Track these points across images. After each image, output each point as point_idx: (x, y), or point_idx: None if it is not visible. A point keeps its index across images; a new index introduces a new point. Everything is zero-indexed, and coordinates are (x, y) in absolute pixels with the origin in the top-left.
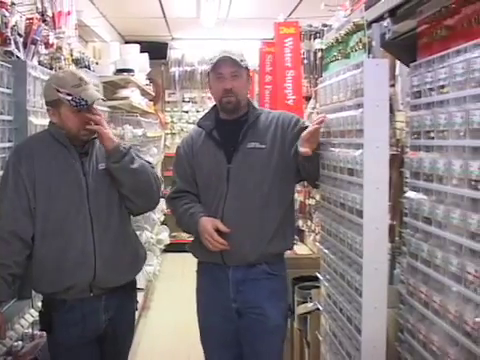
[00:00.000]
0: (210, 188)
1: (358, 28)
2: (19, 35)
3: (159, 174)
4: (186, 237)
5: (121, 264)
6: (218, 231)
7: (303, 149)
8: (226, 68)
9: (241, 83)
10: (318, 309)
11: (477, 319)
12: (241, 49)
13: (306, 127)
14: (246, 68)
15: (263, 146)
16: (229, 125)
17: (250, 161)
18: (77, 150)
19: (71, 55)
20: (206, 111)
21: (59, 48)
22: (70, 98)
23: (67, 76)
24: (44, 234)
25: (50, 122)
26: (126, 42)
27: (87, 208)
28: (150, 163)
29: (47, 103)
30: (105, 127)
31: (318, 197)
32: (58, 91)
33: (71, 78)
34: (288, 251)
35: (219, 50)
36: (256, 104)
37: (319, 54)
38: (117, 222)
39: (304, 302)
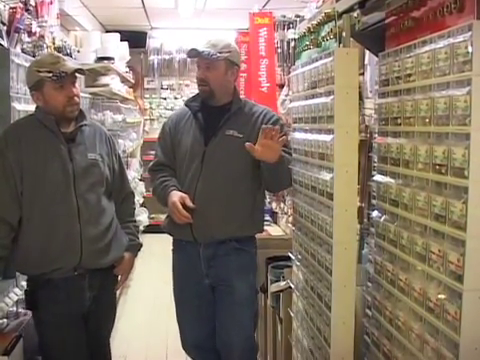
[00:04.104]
0: (186, 166)
1: (329, 19)
2: (2, 23)
3: (138, 158)
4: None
5: (106, 248)
6: (186, 206)
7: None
8: (201, 59)
9: (216, 74)
10: (290, 287)
11: (440, 296)
12: (226, 40)
13: (282, 127)
14: (226, 59)
15: (240, 135)
16: (213, 110)
17: (225, 147)
18: (64, 135)
19: (53, 43)
20: (195, 93)
21: (42, 36)
22: (51, 74)
23: (45, 57)
24: (30, 218)
25: (36, 107)
26: (107, 31)
27: (73, 194)
28: None
29: (31, 88)
30: None
31: None
32: (38, 71)
33: (49, 58)
34: (262, 233)
35: (206, 39)
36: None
37: (292, 43)
38: (102, 209)
39: (277, 281)
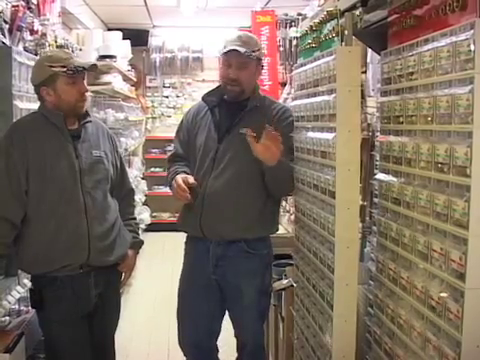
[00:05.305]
0: (199, 162)
1: (331, 17)
2: (5, 22)
3: (140, 156)
4: (166, 217)
5: (111, 245)
6: (189, 185)
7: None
8: (235, 58)
9: (248, 74)
10: (292, 285)
11: (442, 294)
12: (254, 37)
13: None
14: (257, 58)
15: (254, 134)
16: (231, 106)
17: (238, 145)
18: (70, 132)
19: (55, 41)
20: (214, 87)
21: (44, 35)
22: (65, 69)
23: (57, 53)
24: (37, 217)
25: (40, 105)
26: (109, 29)
27: (80, 191)
28: None
29: (40, 84)
30: None
31: None
32: (52, 66)
33: (61, 53)
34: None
35: (234, 34)
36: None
37: (294, 42)
38: (108, 206)
39: (279, 279)
